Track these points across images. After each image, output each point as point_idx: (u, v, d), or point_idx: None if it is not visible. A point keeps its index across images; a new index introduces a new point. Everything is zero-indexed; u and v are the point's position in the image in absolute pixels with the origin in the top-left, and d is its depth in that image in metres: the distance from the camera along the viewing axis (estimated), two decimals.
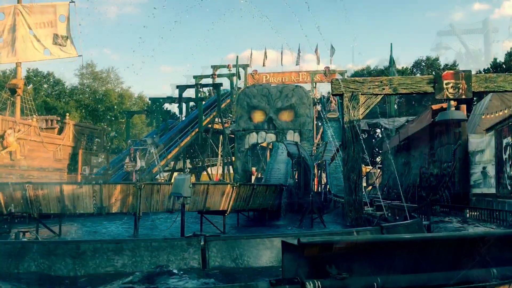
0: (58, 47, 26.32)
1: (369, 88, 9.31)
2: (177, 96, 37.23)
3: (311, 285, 2.32)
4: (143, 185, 13.89)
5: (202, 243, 4.49)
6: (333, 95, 10.11)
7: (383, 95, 9.36)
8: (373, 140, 54.25)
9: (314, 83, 46.75)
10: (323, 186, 32.93)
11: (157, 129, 35.28)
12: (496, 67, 48.48)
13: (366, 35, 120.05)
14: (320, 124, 43.05)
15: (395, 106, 53.68)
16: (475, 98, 32.75)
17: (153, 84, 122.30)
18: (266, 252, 5.07)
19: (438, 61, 56.64)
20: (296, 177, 27.52)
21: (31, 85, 50.50)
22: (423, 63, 56.90)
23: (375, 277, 2.45)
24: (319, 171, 37.63)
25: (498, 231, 4.46)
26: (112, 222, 18.00)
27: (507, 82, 8.92)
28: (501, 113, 14.73)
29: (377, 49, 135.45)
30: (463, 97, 9.03)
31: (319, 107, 42.74)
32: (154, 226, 14.09)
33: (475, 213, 11.23)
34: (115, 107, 52.16)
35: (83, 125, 34.08)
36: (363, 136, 59.53)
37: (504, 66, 47.24)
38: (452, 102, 9.72)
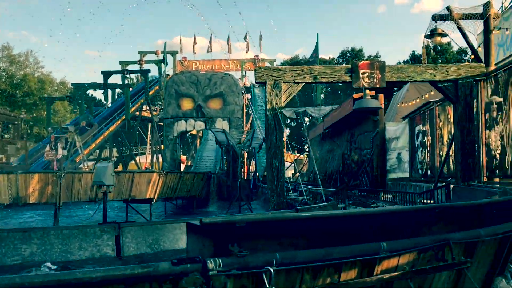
0: None
1: (291, 77, 9.54)
2: (103, 82, 35.92)
3: (212, 263, 2.41)
4: (63, 174, 13.35)
5: (116, 229, 4.45)
6: (256, 82, 10.27)
7: (304, 83, 9.63)
8: (301, 128, 55.69)
9: (244, 72, 46.97)
10: (252, 173, 33.42)
11: (81, 116, 33.88)
12: (414, 59, 51.44)
13: (297, 25, 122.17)
14: (250, 112, 43.47)
15: (322, 95, 55.40)
16: (395, 88, 34.66)
17: (78, 70, 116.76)
18: (182, 237, 5.12)
19: (363, 52, 59.03)
20: (225, 164, 27.71)
21: None
22: (348, 54, 59.04)
23: (274, 254, 2.58)
24: (249, 159, 38.07)
25: (387, 208, 4.83)
26: (34, 212, 17.19)
27: (416, 72, 9.52)
28: (413, 102, 15.71)
29: (308, 39, 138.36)
30: (377, 86, 9.52)
31: (248, 95, 43.08)
32: (75, 216, 13.62)
33: (389, 196, 11.96)
34: (35, 92, 49.31)
35: None
36: (292, 124, 61.10)
37: (421, 58, 50.24)
38: (368, 91, 10.25)
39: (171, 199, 18.49)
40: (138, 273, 2.33)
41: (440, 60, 47.25)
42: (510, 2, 14.27)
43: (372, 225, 3.21)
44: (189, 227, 2.66)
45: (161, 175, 15.79)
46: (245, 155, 34.72)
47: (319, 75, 9.63)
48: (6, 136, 27.00)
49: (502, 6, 14.92)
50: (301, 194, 14.36)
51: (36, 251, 4.02)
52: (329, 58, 59.92)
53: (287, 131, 63.12)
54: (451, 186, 8.65)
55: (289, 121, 60.81)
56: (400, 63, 51.33)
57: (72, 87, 37.93)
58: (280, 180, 9.43)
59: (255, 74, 9.77)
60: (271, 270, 2.54)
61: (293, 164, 41.59)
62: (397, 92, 25.99)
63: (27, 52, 52.68)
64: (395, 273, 3.01)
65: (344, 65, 10.17)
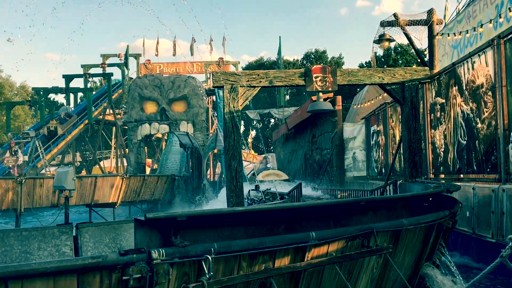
0: None
1: (247, 81, 9.91)
2: (64, 86, 35.39)
3: (156, 253, 2.73)
4: (24, 180, 13.30)
5: (74, 230, 4.70)
6: (213, 87, 10.59)
7: (260, 87, 10.03)
8: (267, 129, 56.29)
9: (208, 74, 47.12)
10: (218, 175, 33.68)
11: (41, 121, 33.30)
12: (376, 60, 52.82)
13: (261, 27, 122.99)
14: (216, 114, 43.65)
15: (287, 96, 56.14)
16: (358, 89, 35.62)
17: (39, 73, 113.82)
18: None
19: (326, 54, 60.12)
20: (191, 167, 27.87)
21: None
22: (312, 55, 60.03)
23: (213, 243, 2.94)
24: (215, 161, 38.30)
25: (317, 202, 5.27)
26: None
27: (366, 76, 10.06)
28: (369, 103, 16.38)
29: (272, 41, 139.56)
30: (330, 89, 10.01)
31: (214, 97, 43.26)
32: (36, 222, 13.59)
33: (345, 194, 12.52)
34: None
35: None
36: (258, 125, 61.64)
37: (383, 59, 51.73)
38: (321, 94, 10.73)
39: (135, 202, 18.58)
40: (89, 263, 2.64)
41: (400, 61, 48.78)
42: (463, 6, 15.04)
43: (304, 216, 3.61)
44: (137, 222, 2.98)
45: (124, 179, 15.90)
46: (211, 157, 34.97)
47: (275, 79, 10.05)
48: None
49: (456, 8, 15.70)
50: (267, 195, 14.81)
51: None
52: (293, 59, 60.81)
53: (252, 133, 63.70)
54: (398, 182, 9.23)
55: (254, 122, 61.39)
56: (362, 63, 52.71)
57: (33, 91, 37.18)
58: (238, 180, 9.78)
59: (212, 79, 10.10)
60: (210, 258, 2.89)
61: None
62: (358, 93, 26.85)
63: None
64: (323, 259, 3.41)
65: (297, 69, 10.66)
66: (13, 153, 23.49)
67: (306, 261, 3.39)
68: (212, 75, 9.85)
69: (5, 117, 40.30)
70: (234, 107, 9.87)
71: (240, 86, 9.93)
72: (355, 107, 19.24)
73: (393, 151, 13.28)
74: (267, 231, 3.49)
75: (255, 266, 3.22)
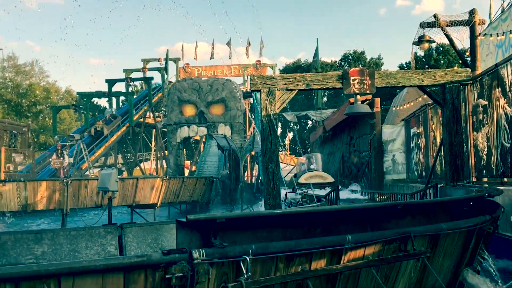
0: None
1: (284, 84, 9.99)
2: (107, 90, 36.59)
3: (197, 253, 2.86)
4: (69, 181, 13.86)
5: (119, 230, 4.92)
6: (251, 90, 10.73)
7: (297, 90, 10.10)
8: (304, 131, 56.11)
9: (246, 76, 47.46)
10: (255, 177, 33.87)
11: (85, 124, 34.50)
12: (416, 60, 51.72)
13: (299, 28, 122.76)
14: (253, 116, 43.89)
15: (325, 98, 55.79)
16: (398, 90, 35.02)
17: (83, 78, 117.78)
18: None
19: (364, 55, 59.32)
20: (228, 169, 28.17)
21: None
22: (350, 57, 59.37)
23: (251, 245, 3.04)
24: (252, 163, 38.53)
25: (354, 205, 5.27)
26: (42, 218, 17.72)
27: (404, 78, 9.94)
28: (408, 105, 16.11)
29: (310, 43, 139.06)
30: (367, 91, 9.95)
31: (251, 100, 43.53)
32: (81, 222, 14.13)
33: (383, 197, 12.38)
34: (41, 101, 50.04)
35: (5, 121, 32.58)
36: (296, 127, 61.47)
37: (424, 60, 50.61)
38: (359, 97, 10.65)
39: (174, 203, 18.97)
40: (134, 262, 2.79)
41: (442, 61, 47.58)
42: (508, 4, 14.58)
43: (341, 220, 3.66)
44: (178, 223, 3.11)
45: (164, 181, 16.27)
46: (248, 160, 35.19)
47: (312, 82, 10.08)
48: (13, 145, 27.62)
49: (501, 6, 15.22)
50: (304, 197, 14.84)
51: (47, 251, 4.47)
52: (331, 61, 60.30)
53: (290, 135, 63.65)
54: (439, 186, 9.06)
55: (292, 124, 61.30)
56: (402, 64, 51.69)
57: (77, 95, 38.57)
58: (275, 183, 9.86)
59: (250, 83, 10.23)
60: (247, 258, 2.99)
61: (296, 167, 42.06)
62: (398, 95, 26.39)
63: (32, 62, 53.53)
64: (360, 262, 3.45)
65: (335, 72, 10.67)
66: (59, 155, 24.47)
67: (342, 263, 3.44)
68: (250, 78, 9.98)
69: (51, 121, 41.98)
70: (271, 110, 9.96)
71: (277, 90, 10.02)
72: (394, 109, 18.96)
73: (434, 154, 13.02)
74: (303, 234, 3.55)
75: (291, 267, 3.29)
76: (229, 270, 3.07)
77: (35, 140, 47.13)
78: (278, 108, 10.06)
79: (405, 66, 51.96)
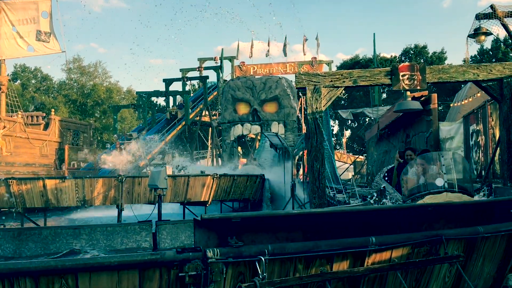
0: (41, 44, 26.59)
1: (330, 81, 9.82)
2: (164, 89, 37.77)
3: (211, 252, 2.86)
4: (124, 178, 14.40)
5: (153, 227, 5.04)
6: (297, 88, 10.64)
7: (343, 87, 9.89)
8: (360, 129, 54.91)
9: None
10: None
11: (144, 123, 35.74)
12: (483, 53, 49.17)
13: (357, 23, 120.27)
14: None
15: (384, 94, 54.19)
16: (462, 85, 33.38)
17: (143, 78, 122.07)
18: None
19: (426, 49, 57.02)
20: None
21: (18, 81, 50.63)
22: (411, 51, 57.28)
23: (267, 245, 3.00)
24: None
25: (379, 206, 5.05)
26: (103, 214, 18.54)
27: (458, 72, 9.46)
28: (466, 101, 15.32)
29: (369, 38, 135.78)
30: (418, 88, 9.57)
31: None
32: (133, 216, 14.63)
33: None
34: (104, 101, 52.42)
35: (69, 121, 34.43)
36: (353, 125, 60.25)
37: (491, 52, 47.96)
38: (411, 93, 10.28)
39: (226, 201, 19.20)
40: (148, 259, 2.84)
41: (511, 54, 44.89)
42: None
43: (365, 221, 3.53)
44: (195, 222, 3.13)
45: (215, 178, 16.50)
46: (305, 157, 34.89)
47: (359, 79, 9.84)
48: (76, 143, 29.13)
49: None
50: (352, 196, 14.53)
51: (85, 245, 4.68)
52: (391, 56, 58.46)
53: (347, 133, 62.52)
54: (494, 186, 8.57)
55: (349, 122, 60.17)
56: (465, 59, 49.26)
57: (137, 95, 40.02)
58: (321, 182, 9.72)
59: (296, 81, 10.14)
60: (263, 259, 2.95)
61: (352, 166, 41.28)
62: (461, 90, 25.12)
63: (96, 63, 56.17)
64: (384, 265, 3.32)
65: (383, 68, 10.32)
66: (119, 153, 25.51)
67: (366, 266, 3.32)
68: (296, 76, 9.90)
69: (112, 119, 43.85)
70: (316, 108, 9.83)
71: (323, 87, 9.87)
72: (455, 104, 18.07)
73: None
74: (325, 234, 3.47)
75: (311, 269, 3.22)
76: (245, 270, 3.06)
77: (99, 138, 49.42)
78: (324, 106, 9.90)
79: (470, 60, 49.51)
